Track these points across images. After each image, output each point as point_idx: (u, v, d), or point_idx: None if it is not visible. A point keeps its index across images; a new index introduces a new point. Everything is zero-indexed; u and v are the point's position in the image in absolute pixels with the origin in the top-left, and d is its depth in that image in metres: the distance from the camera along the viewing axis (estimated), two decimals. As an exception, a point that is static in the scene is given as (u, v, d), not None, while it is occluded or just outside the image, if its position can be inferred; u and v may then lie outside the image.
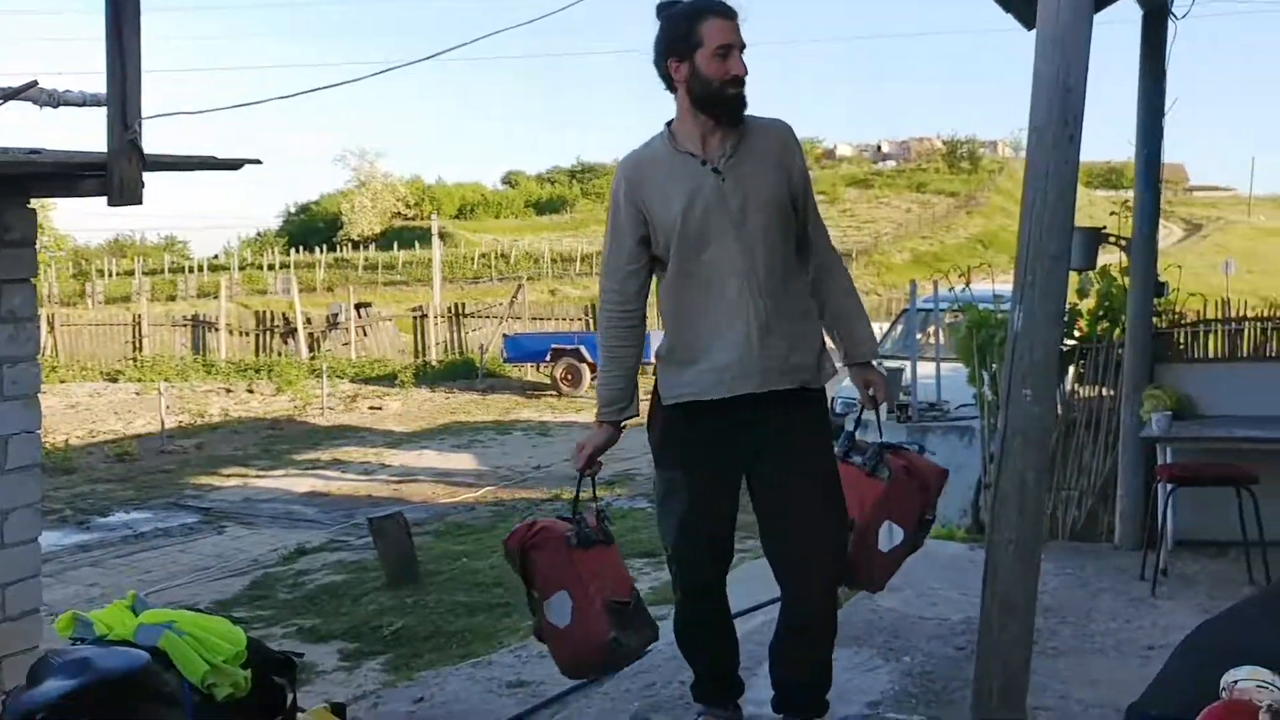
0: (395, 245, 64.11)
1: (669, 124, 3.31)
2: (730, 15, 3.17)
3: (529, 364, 23.91)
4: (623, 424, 3.51)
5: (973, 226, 61.37)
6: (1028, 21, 5.97)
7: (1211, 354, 6.33)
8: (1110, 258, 6.71)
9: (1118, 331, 6.50)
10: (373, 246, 65.86)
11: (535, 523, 3.54)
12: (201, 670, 2.56)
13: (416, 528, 10.63)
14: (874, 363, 3.59)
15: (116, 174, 3.51)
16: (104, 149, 3.56)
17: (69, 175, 3.60)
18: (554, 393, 22.17)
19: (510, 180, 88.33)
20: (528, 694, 4.73)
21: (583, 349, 22.17)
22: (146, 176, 3.61)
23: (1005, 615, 3.06)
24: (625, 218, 3.33)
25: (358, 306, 28.38)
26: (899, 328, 14.64)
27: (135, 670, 2.39)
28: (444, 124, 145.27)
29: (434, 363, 25.75)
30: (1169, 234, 56.44)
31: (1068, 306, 6.81)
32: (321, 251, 63.15)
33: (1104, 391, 6.48)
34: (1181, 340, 6.33)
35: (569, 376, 22.16)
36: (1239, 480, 5.24)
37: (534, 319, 26.74)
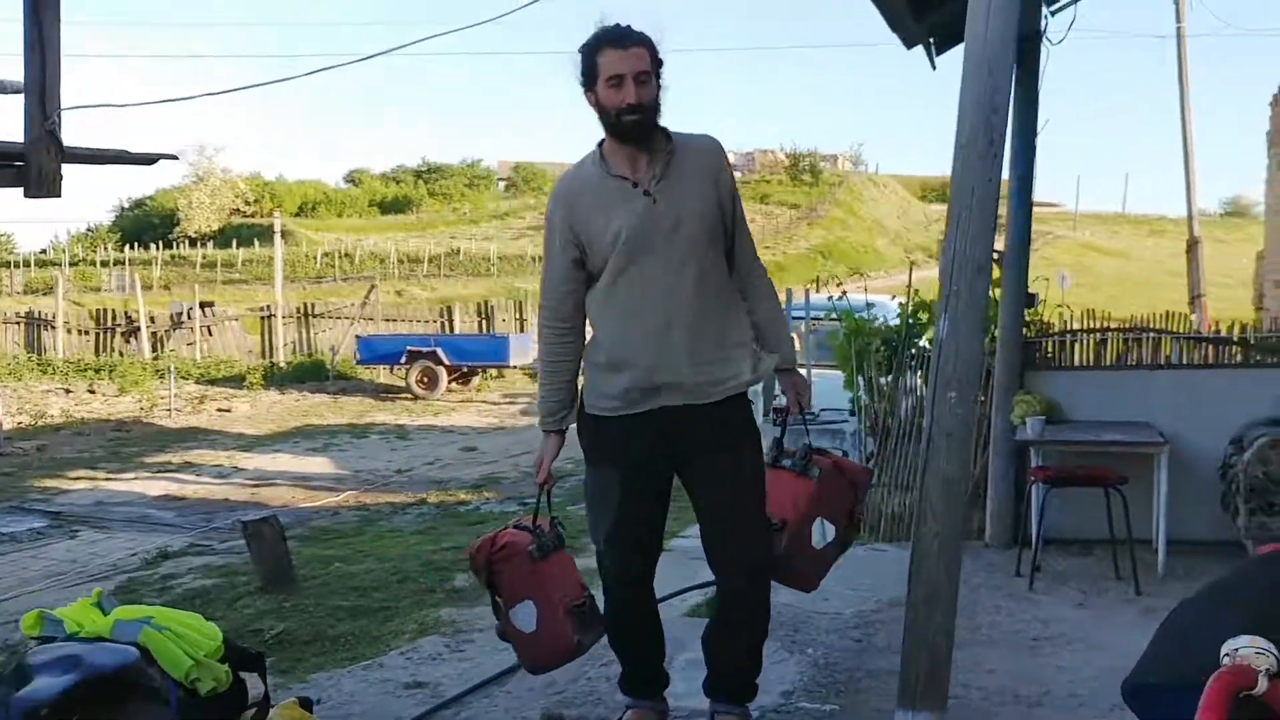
0: (234, 243, 62.13)
1: (600, 145, 3.40)
2: (622, 44, 3.24)
3: (382, 366, 23.55)
4: (565, 429, 3.54)
5: (814, 238, 62.85)
6: (909, 42, 6.26)
7: (1078, 362, 6.72)
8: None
9: (987, 340, 6.81)
10: (211, 244, 63.70)
11: (497, 536, 3.59)
12: (185, 666, 2.51)
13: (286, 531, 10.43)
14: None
15: (35, 165, 3.40)
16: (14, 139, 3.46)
17: (-16, 165, 3.46)
18: (409, 396, 21.90)
19: (354, 179, 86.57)
20: (426, 694, 4.75)
21: (439, 351, 21.96)
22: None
23: (930, 606, 3.23)
24: (560, 241, 3.42)
25: (203, 305, 27.48)
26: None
27: (127, 666, 2.33)
28: (285, 120, 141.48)
29: (282, 364, 25.14)
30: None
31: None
32: (158, 248, 60.79)
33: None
34: (1049, 349, 6.70)
35: (425, 379, 21.91)
36: (1110, 481, 5.58)
37: (387, 320, 26.35)
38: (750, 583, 3.50)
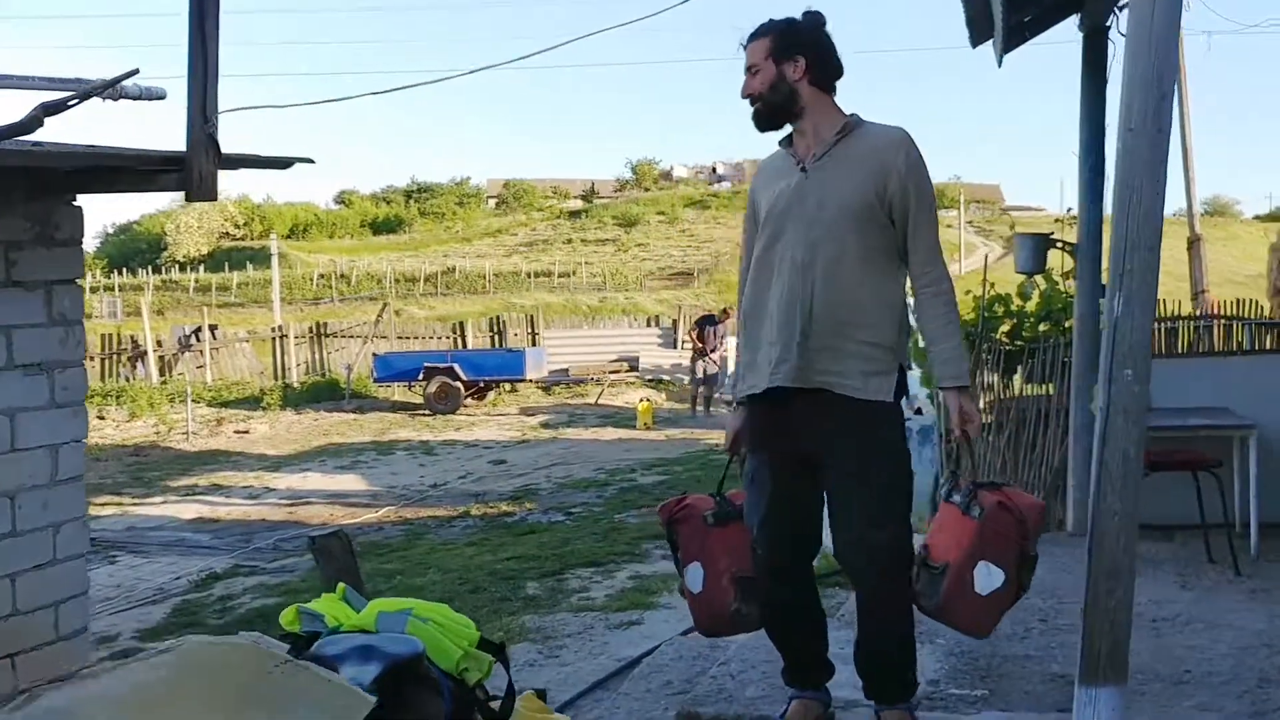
0: (226, 266, 62.15)
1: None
2: (742, 44, 3.51)
3: (399, 383, 23.55)
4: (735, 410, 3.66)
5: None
6: (978, 40, 6.33)
7: (1153, 351, 6.78)
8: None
9: (1060, 331, 6.89)
10: (201, 268, 63.67)
11: (684, 498, 3.75)
12: (455, 656, 2.52)
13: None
14: (964, 389, 3.49)
15: (195, 168, 3.43)
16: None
17: (147, 170, 3.50)
18: (427, 412, 21.90)
19: (344, 199, 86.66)
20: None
21: (456, 367, 21.98)
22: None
23: (1112, 581, 3.27)
24: (750, 209, 3.61)
25: (211, 328, 27.42)
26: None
27: (418, 655, 2.34)
28: (271, 142, 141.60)
29: (296, 384, 25.10)
30: (990, 251, 59.15)
31: (1015, 310, 7.23)
32: (148, 273, 60.73)
33: (1049, 389, 6.85)
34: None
35: (443, 395, 21.92)
36: (1205, 465, 5.64)
37: (399, 338, 26.36)
38: (880, 576, 3.45)
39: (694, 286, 54.35)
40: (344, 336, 26.77)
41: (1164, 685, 4.08)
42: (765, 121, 3.50)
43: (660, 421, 19.55)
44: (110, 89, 3.23)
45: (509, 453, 17.01)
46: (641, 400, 20.25)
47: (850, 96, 3.49)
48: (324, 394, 24.02)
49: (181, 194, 3.56)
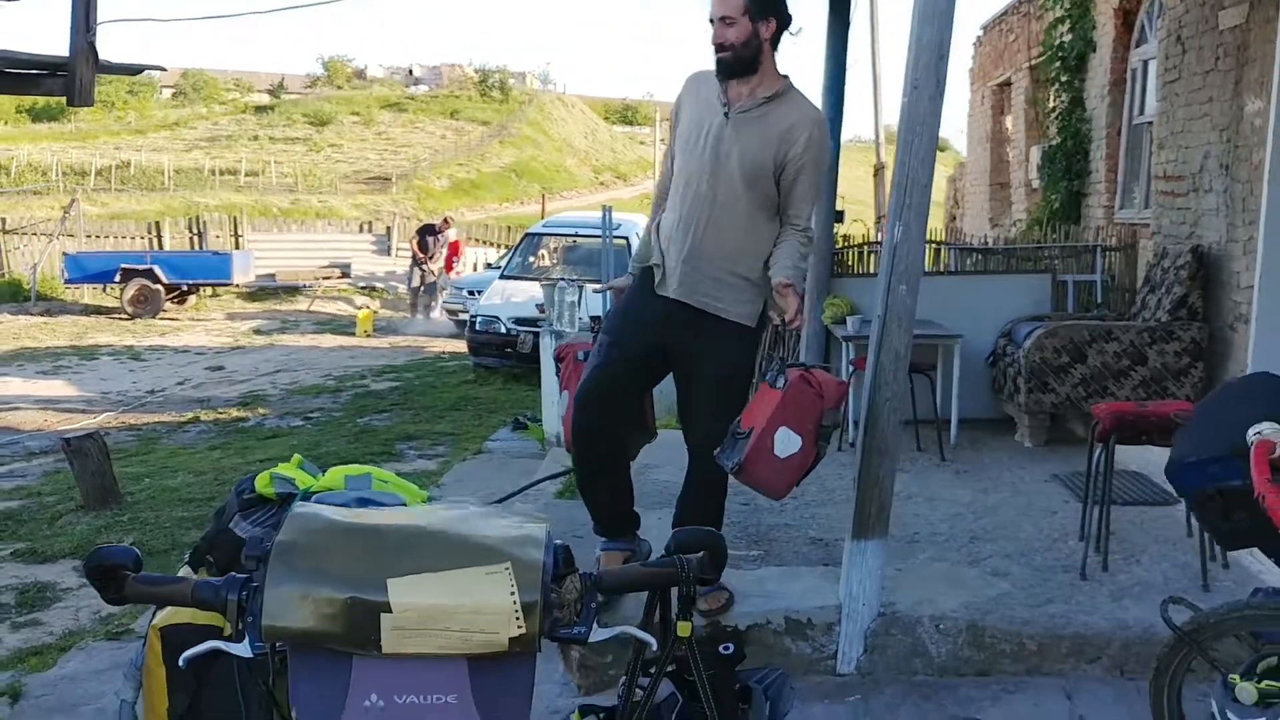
0: None
1: None
2: None
3: (90, 285, 22.25)
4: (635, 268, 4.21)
5: (506, 156, 63.15)
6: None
7: (873, 270, 7.78)
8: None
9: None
10: None
11: (565, 345, 4.52)
12: None
13: (50, 457, 10.15)
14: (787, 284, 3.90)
15: (78, 75, 3.56)
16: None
17: (30, 76, 3.58)
18: (124, 316, 20.89)
19: (-3, 82, 78.66)
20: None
21: (158, 269, 21.04)
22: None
23: (882, 456, 4.05)
24: (674, 116, 4.13)
25: None
26: (519, 252, 15.51)
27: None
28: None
29: (-33, 284, 23.23)
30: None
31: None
32: None
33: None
34: (850, 259, 7.71)
35: (142, 299, 20.95)
36: (920, 369, 6.64)
37: (91, 237, 24.76)
38: (707, 448, 3.98)
39: (392, 192, 53.34)
40: (27, 233, 24.83)
41: (901, 544, 4.97)
42: (730, 70, 3.89)
43: (380, 329, 19.60)
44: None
45: (225, 359, 16.65)
46: (361, 308, 20.18)
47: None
48: (5, 295, 22.39)
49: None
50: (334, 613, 1.44)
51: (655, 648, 1.74)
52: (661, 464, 5.71)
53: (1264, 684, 2.27)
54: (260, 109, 73.17)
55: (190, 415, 12.08)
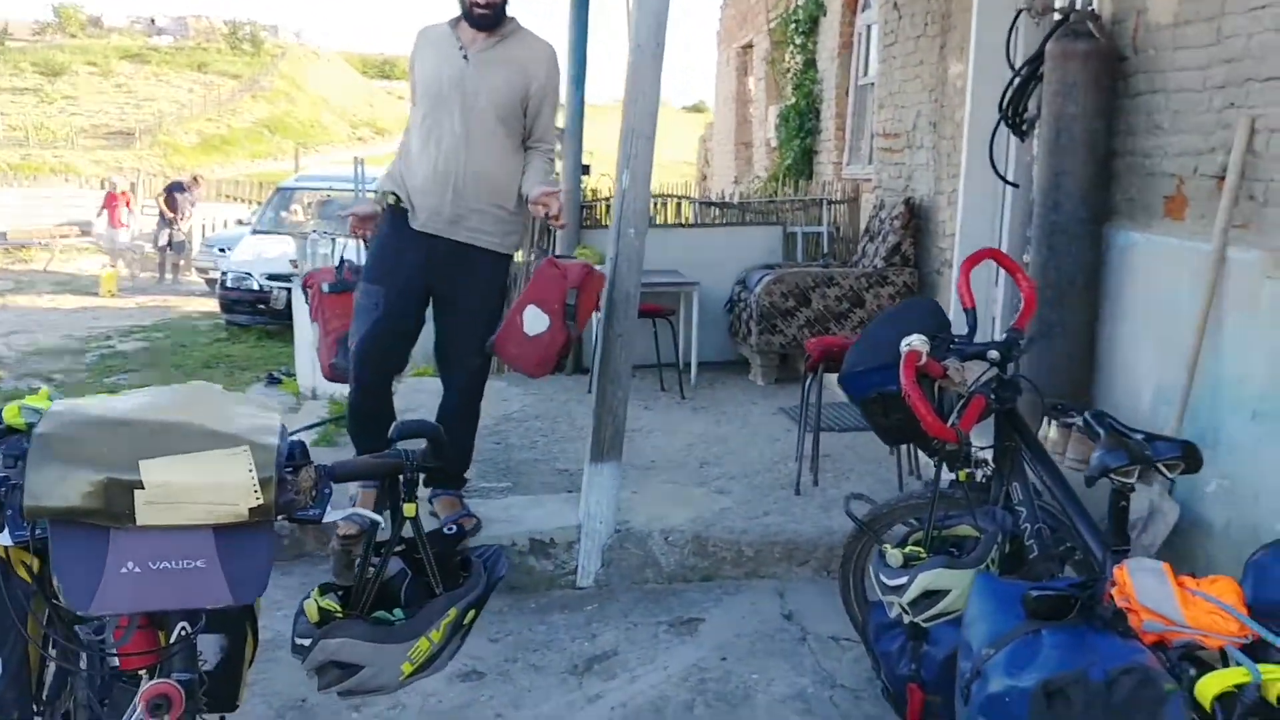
0: None
1: (458, 16, 4.22)
2: None
3: None
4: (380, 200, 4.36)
5: (258, 110, 60.86)
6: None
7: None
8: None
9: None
10: None
11: (313, 272, 4.66)
12: None
13: None
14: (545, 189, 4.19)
15: None
16: None
17: None
18: None
19: None
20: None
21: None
22: None
23: (615, 385, 4.41)
24: (411, 70, 4.32)
25: None
26: (271, 207, 15.19)
27: None
28: None
29: None
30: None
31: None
32: None
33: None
34: (600, 212, 8.06)
35: None
36: (661, 314, 7.08)
37: None
38: (467, 381, 4.39)
39: (136, 148, 50.63)
40: None
41: (639, 471, 5.38)
42: (490, 25, 4.14)
43: (125, 289, 18.79)
44: None
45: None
46: (103, 267, 19.28)
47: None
48: None
49: None
50: (92, 490, 1.64)
51: (383, 527, 2.02)
52: (418, 409, 5.94)
53: (907, 549, 2.73)
54: (-19, 55, 67.75)
55: (-10, 375, 11.41)
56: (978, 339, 3.02)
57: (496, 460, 5.59)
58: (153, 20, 77.26)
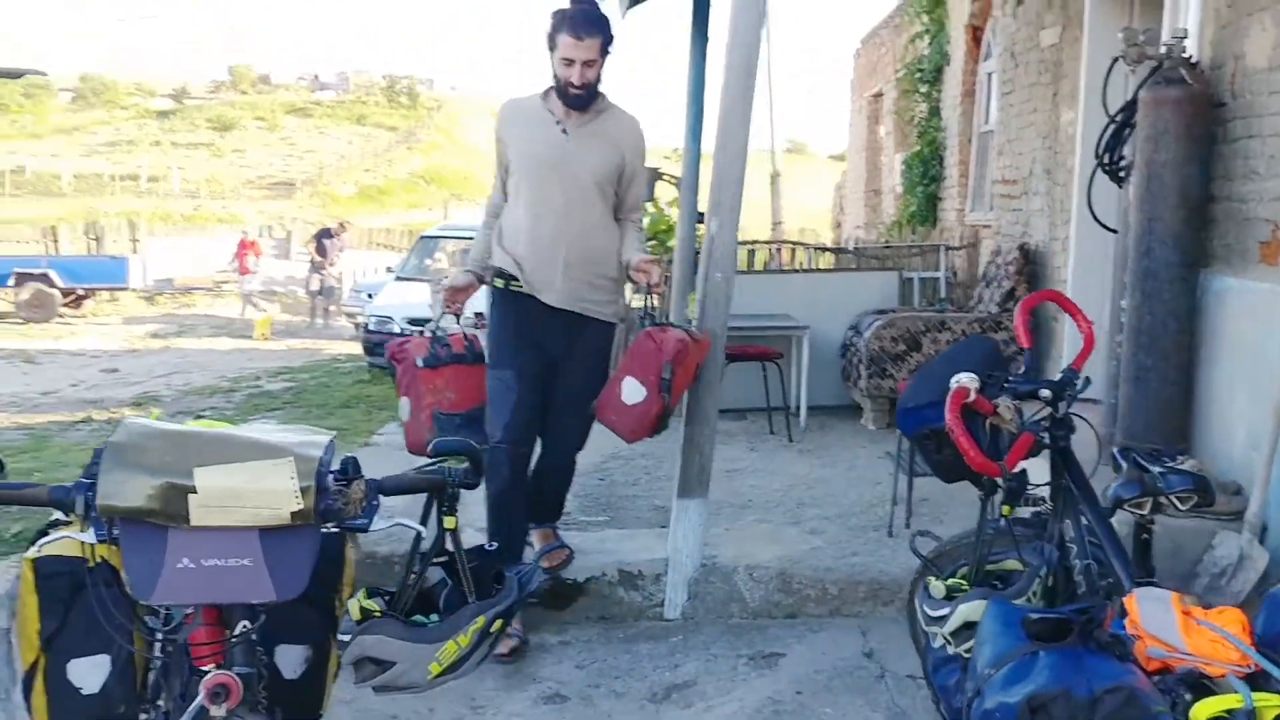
0: None
1: (549, 88, 4.27)
2: (578, 35, 4.06)
3: (-20, 289, 22.05)
4: (476, 276, 4.43)
5: (414, 162, 63.13)
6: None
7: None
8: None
9: (664, 251, 8.25)
10: None
11: (405, 340, 4.50)
12: None
13: (-61, 453, 10.28)
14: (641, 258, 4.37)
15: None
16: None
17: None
18: (19, 319, 20.75)
19: (-116, 84, 76.46)
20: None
21: (52, 273, 20.93)
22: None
23: (702, 424, 4.55)
24: (498, 145, 4.39)
25: None
26: (414, 254, 15.82)
27: None
28: None
29: None
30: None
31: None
32: None
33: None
34: (713, 256, 8.23)
35: (37, 303, 20.83)
36: (769, 357, 7.19)
37: (-19, 241, 24.51)
38: (569, 444, 4.53)
39: (297, 198, 53.05)
40: (-86, 237, 24.49)
41: (733, 508, 5.50)
42: (584, 104, 4.21)
43: (278, 332, 19.74)
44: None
45: (120, 362, 16.69)
46: (259, 311, 20.30)
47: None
48: (-108, 300, 22.09)
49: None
50: (153, 493, 1.87)
51: (423, 535, 2.20)
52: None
53: (950, 582, 2.79)
54: (163, 114, 72.05)
55: (83, 415, 12.20)
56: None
57: (598, 496, 5.77)
58: (316, 76, 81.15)
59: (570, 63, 4.07)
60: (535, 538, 4.66)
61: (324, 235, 21.13)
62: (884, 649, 4.28)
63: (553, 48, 4.11)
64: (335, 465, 2.11)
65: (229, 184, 55.33)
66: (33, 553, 2.66)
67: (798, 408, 7.60)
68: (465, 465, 2.23)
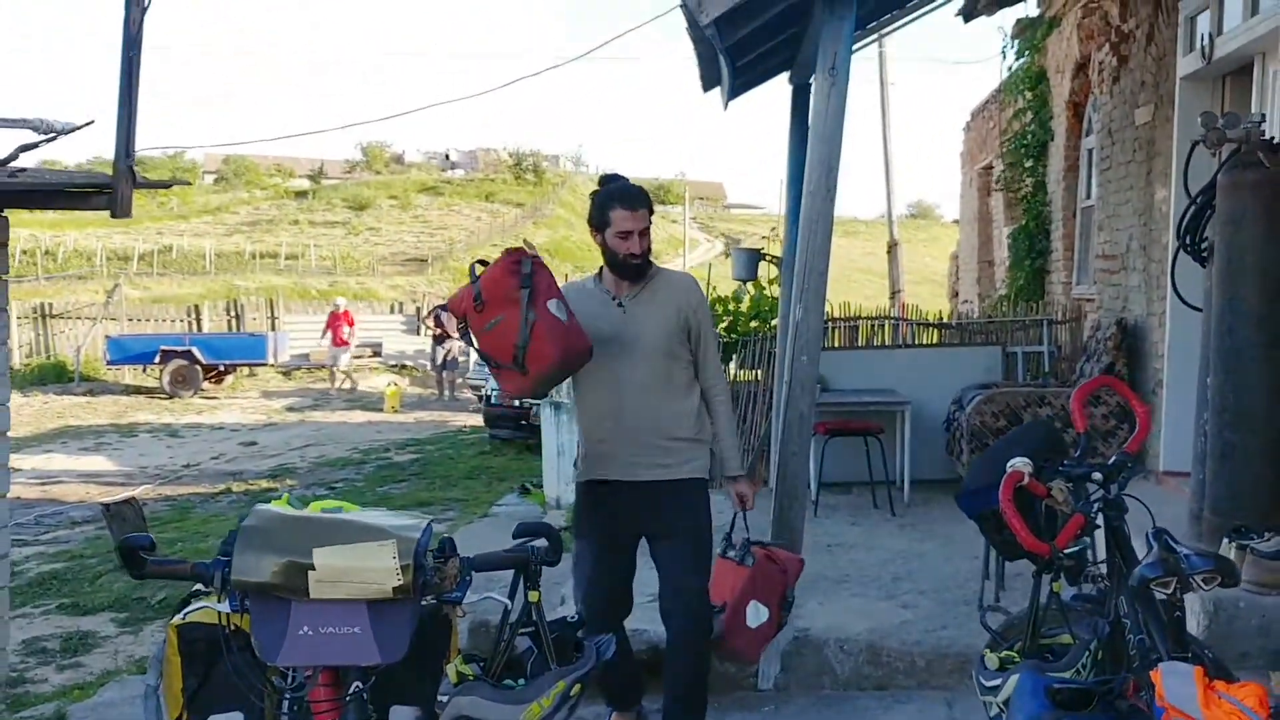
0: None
1: (601, 268, 4.25)
2: (632, 206, 4.07)
3: (132, 366, 23.36)
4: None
5: (539, 236, 64.44)
6: (708, 86, 7.83)
7: (839, 344, 8.55)
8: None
9: (767, 328, 8.52)
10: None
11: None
12: None
13: (90, 525, 11.02)
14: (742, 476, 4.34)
15: (119, 193, 4.42)
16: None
17: (80, 193, 4.45)
18: (164, 395, 21.93)
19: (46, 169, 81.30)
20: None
21: (195, 350, 22.08)
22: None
23: (790, 499, 4.78)
24: None
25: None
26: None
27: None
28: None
29: (17, 366, 24.37)
30: (712, 248, 62.42)
31: (731, 310, 8.83)
32: None
33: (758, 374, 8.49)
34: (815, 333, 8.48)
35: (180, 379, 22.00)
36: (873, 431, 7.37)
37: (130, 320, 25.98)
38: (691, 609, 4.13)
39: (428, 273, 54.63)
40: (72, 317, 26.10)
41: (830, 583, 5.67)
42: (643, 269, 4.15)
43: (407, 405, 20.49)
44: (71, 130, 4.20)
45: (257, 434, 17.55)
46: (389, 384, 21.09)
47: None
48: (50, 376, 23.53)
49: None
50: (278, 570, 2.21)
51: (510, 608, 2.50)
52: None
53: (1004, 654, 2.97)
54: (300, 194, 75.11)
55: (223, 487, 12.92)
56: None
57: (698, 569, 6.00)
58: (447, 155, 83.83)
59: (628, 235, 4.08)
60: None
61: (440, 309, 21.90)
62: (967, 718, 4.41)
63: (605, 225, 4.10)
64: (434, 545, 2.43)
65: (363, 260, 57.33)
66: (177, 619, 3.02)
67: (902, 482, 7.74)
68: (546, 545, 2.53)
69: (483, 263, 3.92)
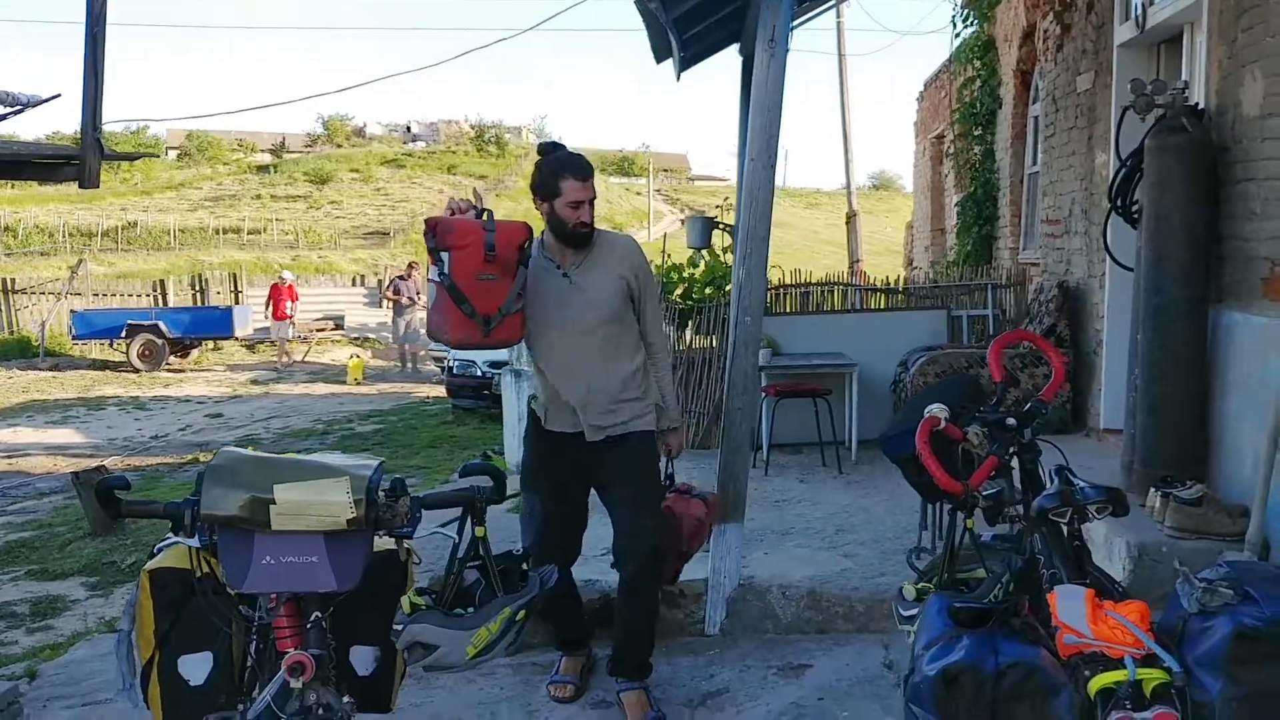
0: None
1: (543, 234, 4.28)
2: (582, 177, 4.17)
3: (98, 341, 23.31)
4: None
5: (503, 208, 64.22)
6: (660, 57, 7.99)
7: (789, 309, 8.77)
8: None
9: (721, 295, 8.72)
10: None
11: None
12: None
13: (58, 495, 11.13)
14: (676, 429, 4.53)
15: (87, 165, 4.56)
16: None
17: (49, 165, 4.58)
18: (130, 369, 21.92)
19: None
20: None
21: (161, 325, 22.07)
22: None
23: (736, 454, 5.00)
24: None
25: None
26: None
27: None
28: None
29: (-21, 342, 24.32)
30: (676, 219, 62.51)
31: (685, 276, 9.03)
32: None
33: (713, 340, 8.70)
34: (768, 300, 8.69)
35: (147, 353, 22.00)
36: (820, 393, 7.61)
37: (96, 295, 25.89)
38: (644, 547, 4.29)
39: (390, 246, 54.50)
40: (35, 293, 25.97)
41: (776, 535, 5.92)
42: (589, 237, 4.24)
43: (370, 377, 20.59)
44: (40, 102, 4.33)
45: (223, 407, 17.62)
46: (351, 357, 21.18)
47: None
48: (13, 351, 23.45)
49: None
50: (242, 504, 2.40)
51: (459, 542, 2.71)
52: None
53: (920, 586, 3.21)
54: (262, 168, 74.51)
55: (190, 457, 13.03)
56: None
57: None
58: (408, 128, 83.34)
59: (579, 205, 4.17)
60: (627, 706, 4.36)
61: (398, 279, 21.99)
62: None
63: (554, 195, 4.17)
64: (385, 484, 2.63)
65: (325, 234, 57.10)
66: (150, 565, 3.20)
67: (850, 441, 7.99)
68: (490, 484, 2.73)
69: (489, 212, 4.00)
